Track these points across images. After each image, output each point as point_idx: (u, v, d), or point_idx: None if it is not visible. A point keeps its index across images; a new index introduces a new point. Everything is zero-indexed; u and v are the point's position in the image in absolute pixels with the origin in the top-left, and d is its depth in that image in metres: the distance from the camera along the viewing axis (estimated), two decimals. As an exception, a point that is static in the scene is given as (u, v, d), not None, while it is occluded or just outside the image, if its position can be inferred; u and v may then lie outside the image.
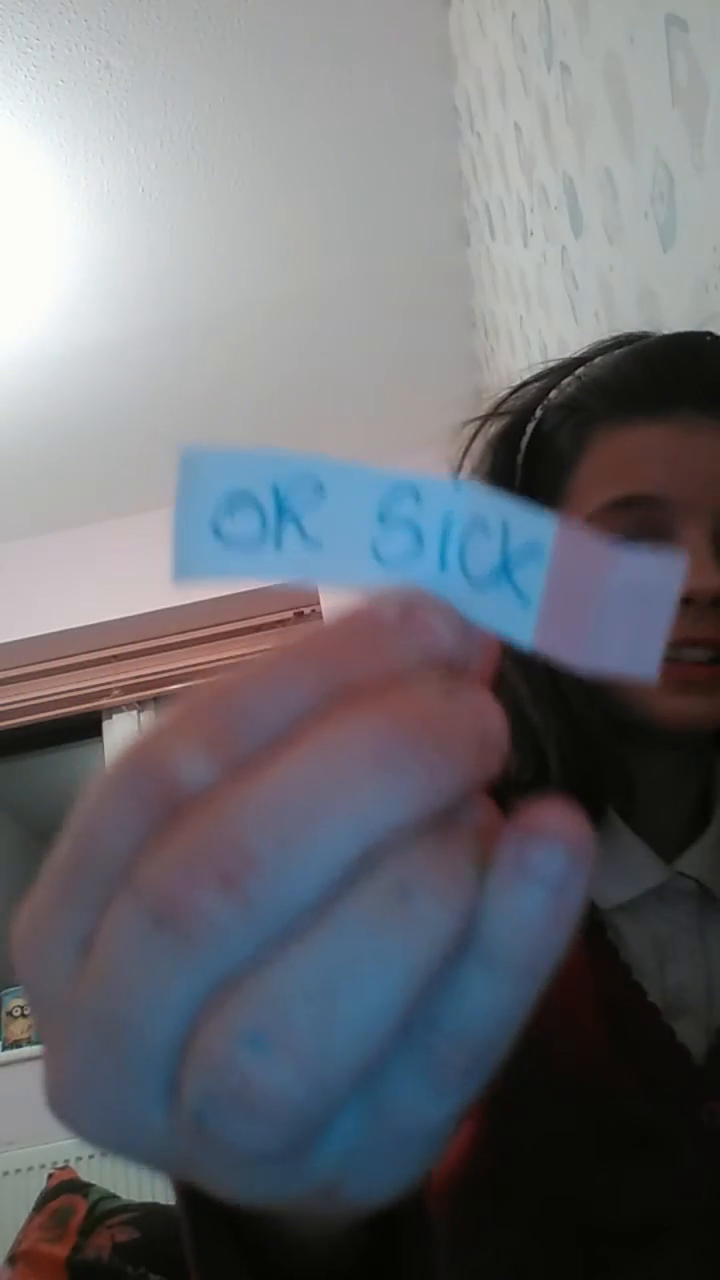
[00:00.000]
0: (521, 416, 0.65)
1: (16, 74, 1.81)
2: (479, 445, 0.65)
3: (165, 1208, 1.05)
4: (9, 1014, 2.56)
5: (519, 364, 2.01)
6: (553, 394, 0.65)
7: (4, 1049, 2.52)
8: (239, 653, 2.95)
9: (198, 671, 2.95)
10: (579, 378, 0.64)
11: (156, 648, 2.97)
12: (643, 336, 0.67)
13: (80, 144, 1.95)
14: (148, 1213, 0.96)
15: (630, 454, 0.59)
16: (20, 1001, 2.57)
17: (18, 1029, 2.54)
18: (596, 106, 1.13)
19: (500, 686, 0.59)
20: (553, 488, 0.62)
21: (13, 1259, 0.90)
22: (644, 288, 1.06)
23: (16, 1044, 2.51)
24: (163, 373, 2.55)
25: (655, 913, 0.60)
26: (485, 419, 0.65)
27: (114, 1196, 0.98)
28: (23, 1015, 2.55)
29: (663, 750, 0.62)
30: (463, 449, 0.65)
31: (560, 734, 0.59)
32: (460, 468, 0.64)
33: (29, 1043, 2.51)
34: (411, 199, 2.21)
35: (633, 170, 1.03)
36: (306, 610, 2.96)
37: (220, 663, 2.94)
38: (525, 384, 0.66)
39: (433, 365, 2.69)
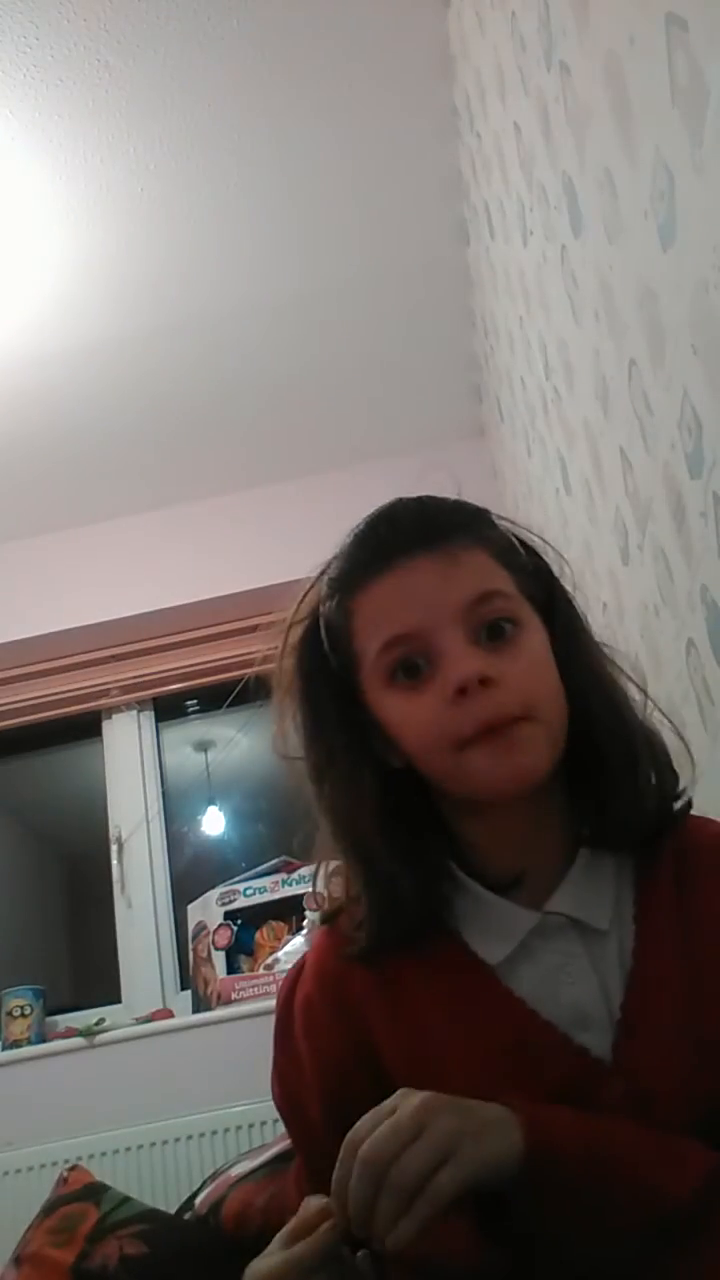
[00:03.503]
0: (310, 617, 0.80)
1: (16, 74, 1.81)
2: (289, 652, 0.80)
3: (177, 1221, 1.03)
4: (9, 1014, 2.56)
5: (519, 364, 2.01)
6: (319, 590, 0.80)
7: (4, 1049, 2.51)
8: (239, 653, 2.95)
9: (198, 671, 2.95)
10: (325, 573, 0.80)
11: (156, 648, 2.97)
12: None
13: (79, 144, 1.95)
14: (159, 1227, 0.95)
15: (376, 607, 0.74)
16: (20, 1001, 2.57)
17: (18, 1029, 2.53)
18: (596, 106, 1.12)
19: (359, 849, 0.75)
20: (348, 655, 0.76)
21: (18, 1260, 0.90)
22: (644, 288, 1.07)
23: (16, 1044, 2.51)
24: (162, 373, 2.55)
25: (544, 949, 0.72)
26: (287, 631, 0.80)
27: (129, 1201, 0.97)
28: (23, 1015, 2.55)
29: (511, 813, 0.74)
30: (279, 654, 0.80)
31: (403, 863, 0.73)
32: (282, 671, 0.80)
33: (29, 1042, 2.50)
34: (411, 199, 2.22)
35: (632, 170, 1.03)
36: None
37: (220, 662, 2.94)
38: (304, 594, 0.81)
39: (433, 365, 2.69)
